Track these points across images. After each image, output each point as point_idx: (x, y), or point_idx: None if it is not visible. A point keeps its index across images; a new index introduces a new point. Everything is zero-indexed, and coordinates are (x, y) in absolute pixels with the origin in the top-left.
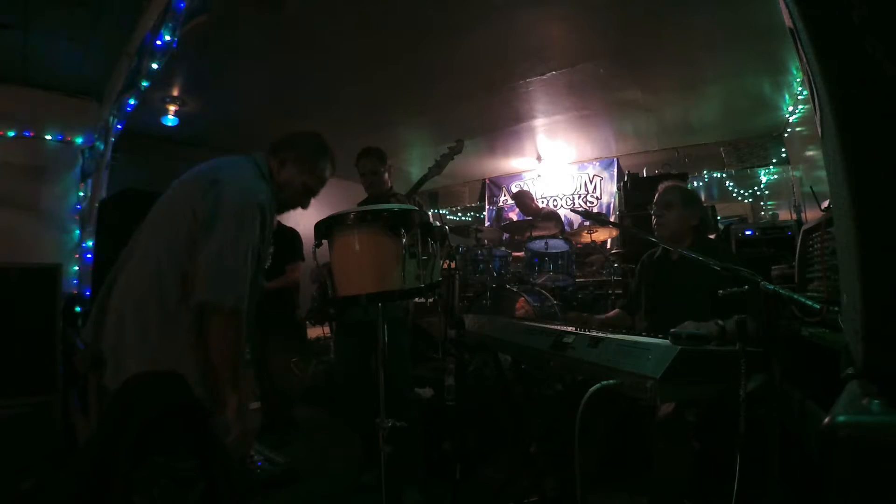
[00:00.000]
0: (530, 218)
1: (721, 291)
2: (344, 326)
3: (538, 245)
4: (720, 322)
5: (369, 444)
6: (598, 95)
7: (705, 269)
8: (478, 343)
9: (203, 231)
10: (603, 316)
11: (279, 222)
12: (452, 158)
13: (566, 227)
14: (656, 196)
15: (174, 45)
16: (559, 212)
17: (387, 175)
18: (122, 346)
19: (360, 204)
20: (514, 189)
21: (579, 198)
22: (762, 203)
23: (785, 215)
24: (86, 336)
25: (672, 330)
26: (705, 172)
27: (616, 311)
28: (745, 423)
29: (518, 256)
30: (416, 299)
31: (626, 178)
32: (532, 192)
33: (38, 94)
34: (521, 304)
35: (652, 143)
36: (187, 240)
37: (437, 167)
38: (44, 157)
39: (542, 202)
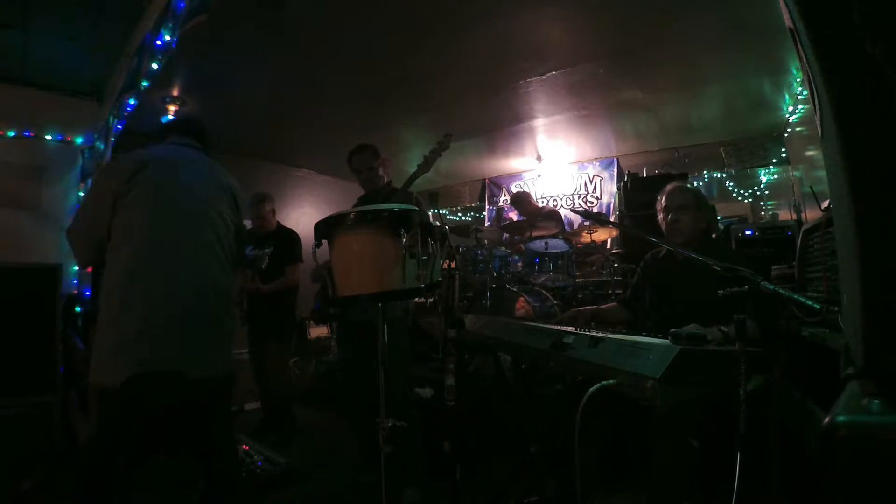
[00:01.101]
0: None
1: (721, 291)
2: (345, 326)
3: (538, 245)
4: (723, 328)
5: (369, 444)
6: (598, 95)
7: (710, 269)
8: (478, 343)
9: (239, 228)
10: (595, 307)
11: (279, 223)
12: (440, 155)
13: (566, 227)
14: (664, 198)
15: (174, 45)
16: (559, 211)
17: (381, 170)
18: (202, 335)
19: (358, 201)
20: (515, 189)
21: (579, 198)
22: (762, 203)
23: (785, 215)
24: (125, 331)
25: (672, 330)
26: (705, 172)
27: (613, 304)
28: (745, 423)
29: (518, 254)
30: (416, 299)
31: (626, 178)
32: (531, 193)
33: (38, 94)
34: (521, 304)
35: (652, 143)
36: (229, 232)
37: (426, 164)
38: (44, 157)
39: (542, 202)
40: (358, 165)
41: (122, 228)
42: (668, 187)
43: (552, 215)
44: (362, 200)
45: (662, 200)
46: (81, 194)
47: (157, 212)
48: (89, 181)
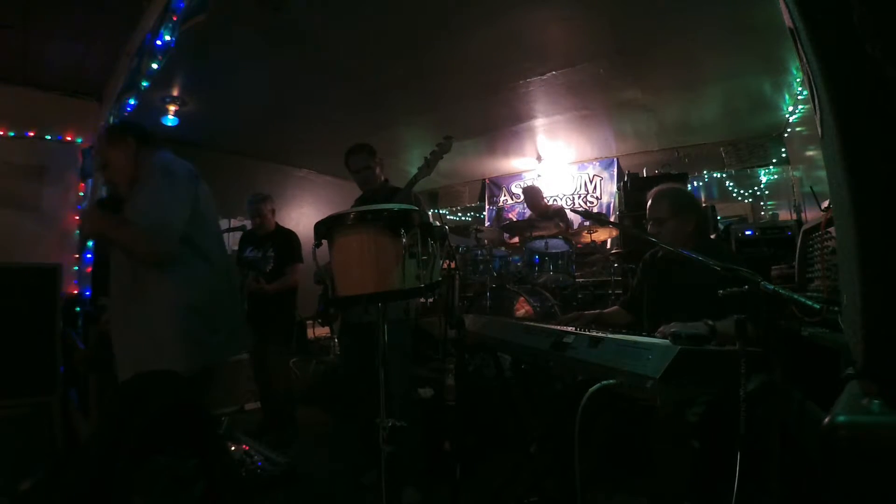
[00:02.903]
0: (534, 215)
1: (721, 291)
2: (347, 327)
3: (538, 245)
4: (710, 322)
5: (369, 444)
6: (598, 95)
7: (709, 269)
8: (478, 343)
9: None
10: (598, 311)
11: (277, 224)
12: (441, 157)
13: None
14: (648, 206)
15: (174, 45)
16: (565, 209)
17: (378, 169)
18: None
19: (357, 201)
20: (515, 189)
21: (579, 198)
22: (762, 203)
23: (785, 215)
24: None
25: (672, 330)
26: (705, 172)
27: (615, 307)
28: (745, 423)
29: (518, 253)
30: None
31: (626, 178)
32: (541, 189)
33: (38, 94)
34: (521, 304)
35: (652, 143)
36: None
37: (427, 167)
38: (44, 157)
39: (548, 201)
40: (354, 166)
41: (197, 232)
42: (650, 193)
43: (559, 213)
44: (361, 200)
45: (647, 207)
46: (81, 194)
47: (215, 226)
48: (89, 181)
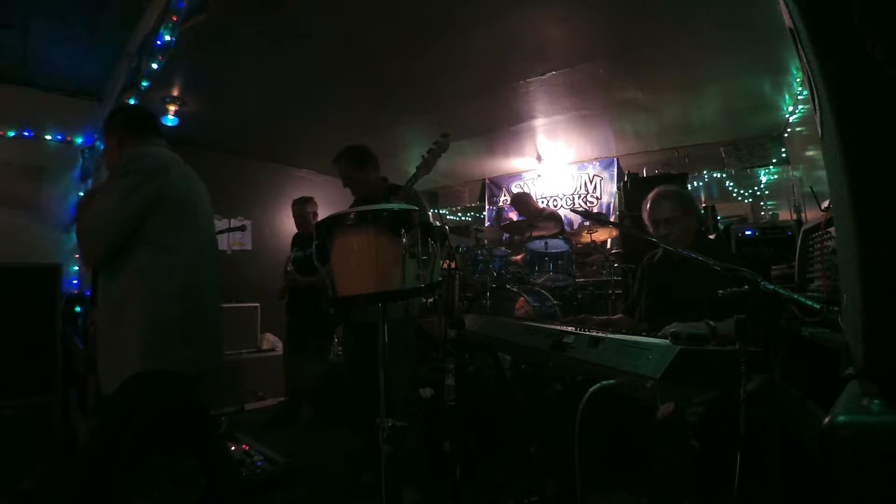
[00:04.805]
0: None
1: (721, 291)
2: (351, 327)
3: (538, 245)
4: (711, 323)
5: (370, 444)
6: (598, 95)
7: (708, 269)
8: (478, 343)
9: None
10: (605, 317)
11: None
12: (440, 155)
13: (566, 228)
14: (649, 207)
15: (174, 45)
16: (559, 212)
17: (366, 175)
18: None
19: (356, 200)
20: (515, 190)
21: (579, 198)
22: (762, 203)
23: (785, 215)
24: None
25: (672, 330)
26: (705, 172)
27: (619, 315)
28: (745, 423)
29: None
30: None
31: (626, 178)
32: (531, 193)
33: (38, 94)
34: (521, 304)
35: (652, 143)
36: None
37: (426, 165)
38: (44, 157)
39: (542, 202)
40: (339, 174)
41: (166, 231)
42: (652, 195)
43: (552, 216)
44: (358, 201)
45: (647, 208)
46: (81, 194)
47: (195, 221)
48: (89, 181)
